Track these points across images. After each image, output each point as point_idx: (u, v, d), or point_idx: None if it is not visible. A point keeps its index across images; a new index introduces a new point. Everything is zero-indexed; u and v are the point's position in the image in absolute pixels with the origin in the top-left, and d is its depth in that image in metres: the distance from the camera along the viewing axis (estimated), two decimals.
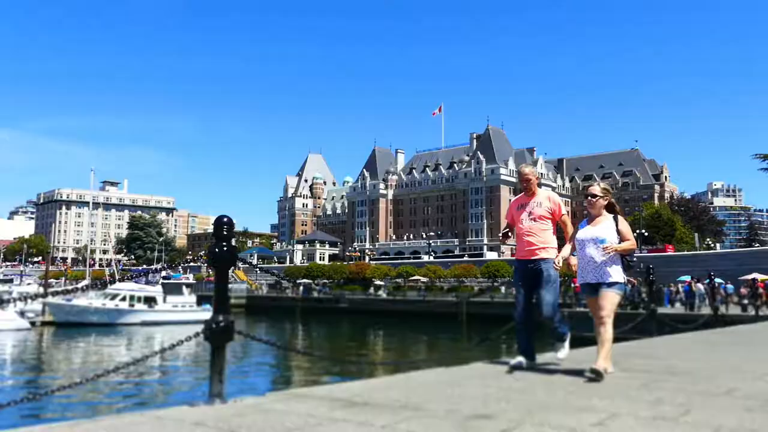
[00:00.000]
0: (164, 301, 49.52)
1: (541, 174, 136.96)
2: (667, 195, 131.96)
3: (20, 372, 25.13)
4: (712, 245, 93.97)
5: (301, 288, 66.98)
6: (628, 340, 10.27)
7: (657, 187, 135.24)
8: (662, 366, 6.17)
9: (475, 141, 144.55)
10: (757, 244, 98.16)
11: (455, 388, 4.63)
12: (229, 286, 4.58)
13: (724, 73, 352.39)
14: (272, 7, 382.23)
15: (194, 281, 69.30)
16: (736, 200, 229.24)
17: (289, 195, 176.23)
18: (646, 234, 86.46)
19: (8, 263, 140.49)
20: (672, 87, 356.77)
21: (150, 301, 48.37)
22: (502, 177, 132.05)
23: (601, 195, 5.59)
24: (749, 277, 44.70)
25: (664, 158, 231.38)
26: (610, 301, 5.28)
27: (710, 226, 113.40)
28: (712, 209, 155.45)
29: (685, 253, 74.62)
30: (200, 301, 51.79)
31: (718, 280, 33.20)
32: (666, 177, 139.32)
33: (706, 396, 4.34)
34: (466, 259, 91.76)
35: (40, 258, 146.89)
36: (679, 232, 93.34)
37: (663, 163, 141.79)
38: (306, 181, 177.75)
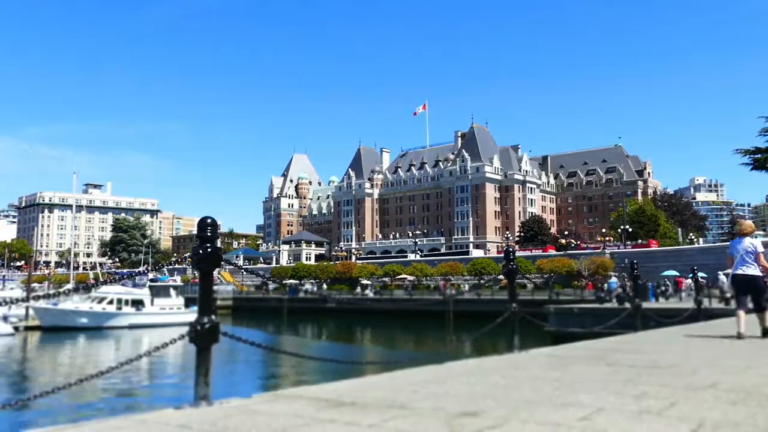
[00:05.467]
0: (152, 303, 49.23)
1: (526, 171, 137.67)
2: (650, 191, 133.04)
3: (3, 378, 24.83)
4: (695, 240, 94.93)
5: (288, 288, 66.88)
6: (614, 334, 10.34)
7: (640, 183, 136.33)
8: (647, 360, 6.23)
9: (459, 139, 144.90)
10: None
11: (441, 386, 4.63)
12: (215, 287, 4.55)
13: (704, 70, 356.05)
14: (257, 10, 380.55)
15: (181, 283, 68.97)
16: (718, 195, 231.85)
17: (275, 195, 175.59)
18: (630, 230, 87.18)
19: None
20: (654, 84, 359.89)
21: (137, 303, 48.06)
22: (487, 175, 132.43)
23: None
24: (731, 271, 45.23)
25: (647, 155, 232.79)
26: None
27: (693, 221, 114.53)
28: (694, 204, 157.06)
29: (669, 248, 75.34)
30: (188, 303, 51.50)
31: (701, 274, 33.51)
32: (649, 173, 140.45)
33: (690, 389, 4.37)
34: (452, 257, 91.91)
35: (22, 262, 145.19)
36: (662, 227, 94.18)
37: (646, 160, 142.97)
38: (291, 181, 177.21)
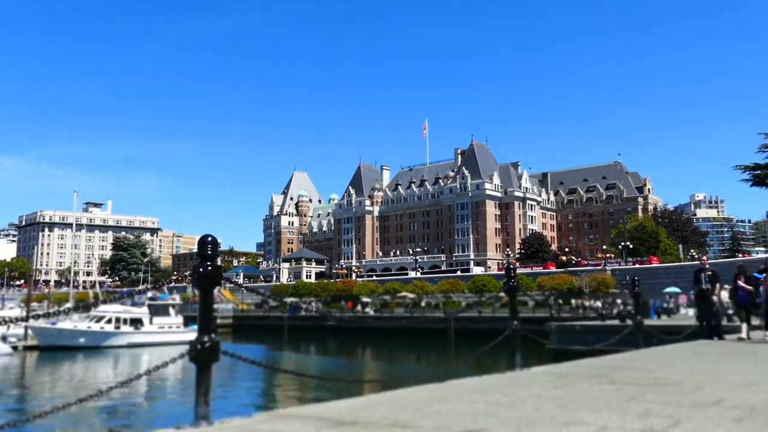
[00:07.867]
0: (151, 322, 49.02)
1: (526, 188, 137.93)
2: (650, 207, 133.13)
3: (1, 398, 24.65)
4: (696, 256, 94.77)
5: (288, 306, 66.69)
6: (616, 352, 10.29)
7: (641, 200, 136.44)
8: (650, 378, 6.18)
9: (459, 156, 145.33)
10: (740, 255, 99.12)
11: (444, 404, 4.59)
12: (215, 306, 4.54)
13: (704, 86, 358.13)
14: (258, 27, 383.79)
15: (181, 302, 68.74)
16: (718, 211, 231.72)
17: (275, 213, 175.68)
18: (631, 246, 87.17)
19: None
20: (653, 100, 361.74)
21: (136, 322, 47.87)
22: (488, 192, 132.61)
23: None
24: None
25: (647, 171, 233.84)
26: None
27: (694, 238, 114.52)
28: (695, 221, 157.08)
29: (671, 264, 75.28)
30: (187, 321, 51.30)
31: None
32: (649, 189, 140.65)
33: (694, 407, 4.34)
34: (452, 274, 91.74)
35: (22, 281, 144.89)
36: (663, 243, 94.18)
37: (646, 176, 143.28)
38: (291, 199, 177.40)
